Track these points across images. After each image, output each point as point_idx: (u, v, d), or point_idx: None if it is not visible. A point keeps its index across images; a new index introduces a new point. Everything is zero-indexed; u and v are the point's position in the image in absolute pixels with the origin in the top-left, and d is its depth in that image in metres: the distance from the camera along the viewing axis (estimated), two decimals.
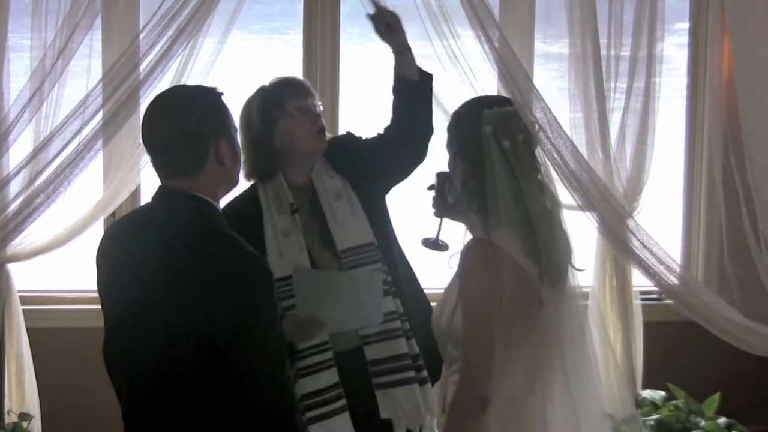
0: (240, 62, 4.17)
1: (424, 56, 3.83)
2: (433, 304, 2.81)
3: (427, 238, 3.01)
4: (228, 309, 2.27)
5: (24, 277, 4.02)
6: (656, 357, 4.27)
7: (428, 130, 3.26)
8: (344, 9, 4.21)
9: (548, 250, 2.48)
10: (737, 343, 3.78)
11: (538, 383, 2.51)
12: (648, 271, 3.62)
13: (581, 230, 3.39)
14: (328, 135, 3.28)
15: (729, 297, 3.97)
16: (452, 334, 2.52)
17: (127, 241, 2.46)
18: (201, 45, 3.85)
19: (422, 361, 3.17)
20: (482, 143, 2.50)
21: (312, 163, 3.24)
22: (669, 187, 4.47)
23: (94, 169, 3.81)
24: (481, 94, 3.70)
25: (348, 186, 3.24)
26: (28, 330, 3.95)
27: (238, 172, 2.53)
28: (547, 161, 2.73)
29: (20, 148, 3.76)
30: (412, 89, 3.23)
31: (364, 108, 4.15)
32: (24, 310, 3.96)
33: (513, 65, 3.18)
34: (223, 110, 2.47)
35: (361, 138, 3.34)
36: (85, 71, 3.90)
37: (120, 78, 3.61)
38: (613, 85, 4.11)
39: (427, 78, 3.27)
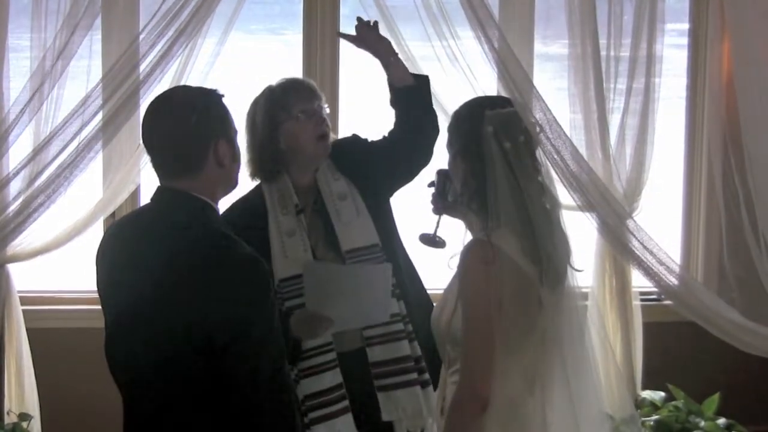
0: (239, 63, 4.17)
1: (423, 57, 3.84)
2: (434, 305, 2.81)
3: (425, 233, 3.01)
4: (226, 310, 2.27)
5: (24, 278, 4.03)
6: (656, 357, 4.28)
7: (433, 133, 3.26)
8: (344, 10, 4.21)
9: (548, 251, 2.49)
10: (737, 343, 3.78)
11: (538, 384, 2.51)
12: (647, 272, 3.62)
13: (581, 231, 3.39)
14: (333, 137, 3.28)
15: (728, 297, 3.97)
16: (451, 335, 2.52)
17: (126, 242, 2.46)
18: (201, 46, 3.86)
19: (424, 363, 3.17)
20: (483, 144, 2.50)
21: (316, 165, 3.24)
22: (669, 188, 4.47)
23: (93, 169, 3.80)
24: (481, 94, 3.70)
25: (353, 187, 3.24)
26: (27, 330, 3.95)
27: (238, 173, 2.52)
28: (547, 162, 2.73)
29: (20, 148, 3.76)
30: (410, 95, 3.23)
31: (363, 108, 4.15)
32: (24, 311, 3.96)
33: (513, 66, 3.18)
34: (223, 111, 2.47)
35: (366, 140, 3.34)
36: (84, 72, 3.90)
37: (120, 79, 3.61)
38: (612, 85, 4.11)
39: (422, 81, 3.27)
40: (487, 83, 3.88)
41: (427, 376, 3.17)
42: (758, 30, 3.97)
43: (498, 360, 2.42)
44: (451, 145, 2.63)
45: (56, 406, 4.03)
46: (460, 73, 3.97)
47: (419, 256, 3.32)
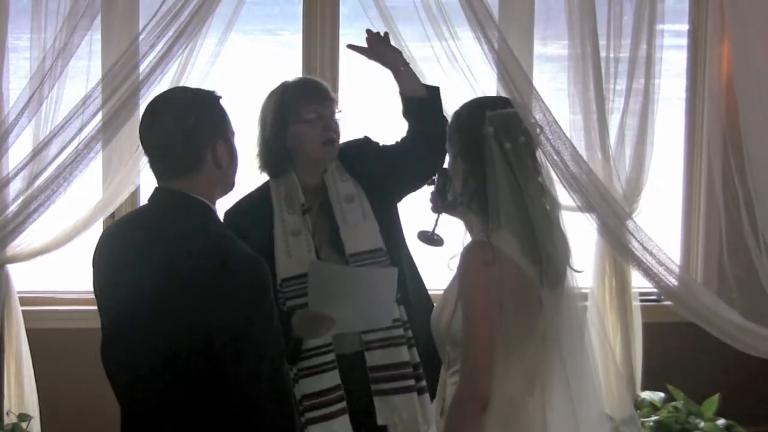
0: (239, 63, 4.18)
1: (423, 57, 3.84)
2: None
3: (423, 231, 3.01)
4: (226, 310, 2.27)
5: (23, 278, 4.02)
6: (655, 358, 4.27)
7: (443, 145, 3.25)
8: (344, 10, 4.21)
9: (548, 251, 2.48)
10: (737, 344, 3.78)
11: (538, 384, 2.51)
12: (647, 273, 3.62)
13: (581, 231, 3.39)
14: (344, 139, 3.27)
15: (728, 298, 3.97)
16: (451, 336, 2.52)
17: (125, 243, 2.46)
18: (200, 46, 3.86)
19: (422, 370, 3.17)
20: (484, 144, 2.50)
21: (323, 166, 3.24)
22: (668, 188, 4.47)
23: (93, 170, 3.80)
24: (481, 95, 3.70)
25: (361, 190, 3.24)
26: (27, 331, 3.95)
27: (235, 175, 2.52)
28: (547, 162, 2.73)
29: (20, 149, 3.76)
30: (421, 106, 3.23)
31: (363, 109, 4.15)
32: (23, 311, 3.96)
33: (512, 66, 3.18)
34: (221, 113, 2.48)
35: (377, 144, 3.34)
36: (84, 72, 3.90)
37: (119, 79, 3.61)
38: (612, 86, 4.11)
39: (433, 92, 3.27)
40: (487, 84, 3.88)
41: (424, 383, 3.17)
42: (758, 30, 3.97)
43: (498, 360, 2.42)
44: (451, 145, 2.63)
45: (56, 407, 4.02)
46: (459, 74, 3.97)
47: (419, 256, 3.32)
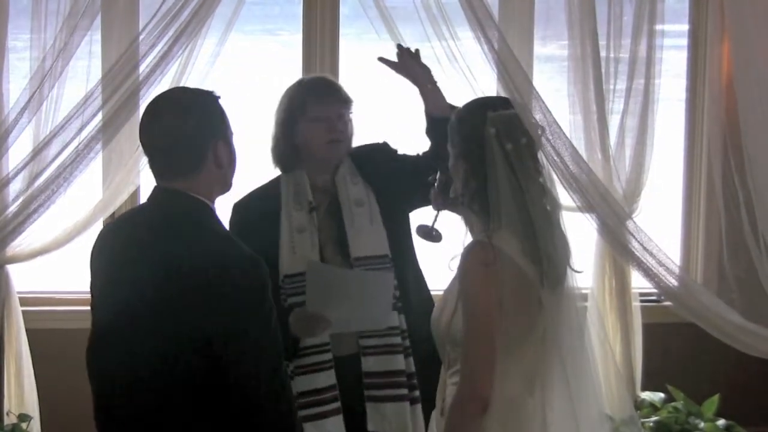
0: (239, 63, 4.18)
1: (423, 57, 3.83)
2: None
3: (422, 225, 3.01)
4: (224, 310, 2.27)
5: (23, 279, 4.02)
6: (655, 358, 4.27)
7: None
8: (344, 10, 4.21)
9: (548, 252, 2.49)
10: (737, 344, 3.77)
11: (538, 384, 2.51)
12: (647, 273, 3.61)
13: (580, 232, 3.39)
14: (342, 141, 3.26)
15: (728, 299, 3.96)
16: (451, 336, 2.52)
17: (123, 241, 2.46)
18: (200, 46, 3.86)
19: (416, 380, 3.17)
20: (485, 145, 2.50)
21: (330, 165, 3.25)
22: (668, 189, 4.46)
23: (93, 170, 3.80)
24: (481, 95, 3.69)
25: (371, 195, 3.24)
26: (27, 331, 3.95)
27: (233, 175, 2.53)
28: (547, 163, 2.73)
29: (20, 149, 3.76)
30: (445, 127, 3.21)
31: (363, 109, 4.14)
32: (23, 312, 3.96)
33: (512, 66, 3.18)
34: (220, 113, 2.48)
35: (396, 151, 3.34)
36: (84, 72, 3.90)
37: (119, 79, 3.61)
38: (612, 86, 4.11)
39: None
40: (487, 84, 3.88)
41: (417, 393, 3.16)
42: (758, 31, 3.96)
43: (498, 360, 2.42)
44: (452, 145, 2.63)
45: (56, 407, 4.02)
46: (459, 74, 3.97)
47: (420, 256, 3.32)
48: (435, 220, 2.97)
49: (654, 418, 4.02)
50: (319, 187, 3.25)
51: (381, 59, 3.38)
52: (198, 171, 2.41)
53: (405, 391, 3.16)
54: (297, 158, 3.24)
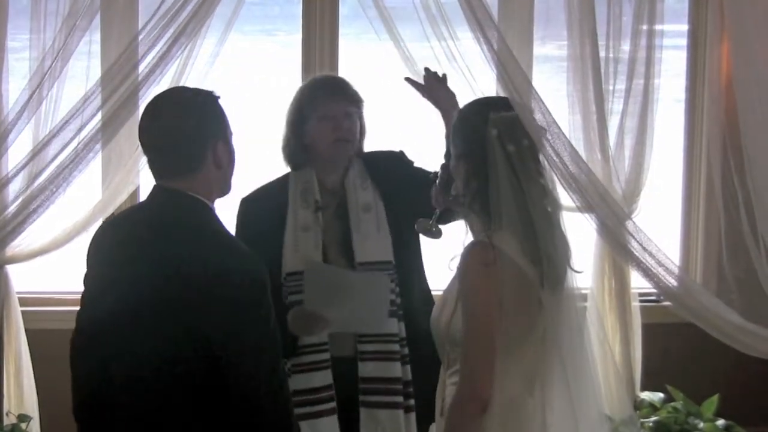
0: (238, 64, 4.18)
1: (422, 57, 3.84)
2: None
3: (422, 220, 3.01)
4: (222, 310, 2.28)
5: (23, 279, 4.02)
6: (655, 359, 4.27)
7: None
8: (343, 10, 4.21)
9: (549, 253, 2.48)
10: (736, 344, 3.78)
11: (538, 385, 2.51)
12: (647, 273, 3.62)
13: (580, 232, 3.39)
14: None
15: (728, 299, 3.96)
16: (451, 335, 2.52)
17: (121, 240, 2.46)
18: (200, 46, 3.85)
19: (412, 389, 3.16)
20: (487, 146, 2.50)
21: (336, 165, 3.25)
22: (668, 189, 4.46)
23: (93, 170, 3.80)
24: (480, 95, 3.69)
25: (379, 200, 3.24)
26: (27, 332, 3.95)
27: (232, 176, 2.52)
28: (546, 163, 2.73)
29: (19, 149, 3.76)
30: None
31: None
32: (23, 312, 3.95)
33: (511, 67, 3.18)
34: (220, 113, 2.48)
35: (411, 162, 3.33)
36: (84, 72, 3.90)
37: (119, 79, 3.61)
38: (611, 86, 4.11)
39: None
40: (486, 84, 3.87)
41: (412, 402, 3.16)
42: (758, 31, 3.97)
43: (498, 360, 2.42)
44: (454, 145, 2.63)
45: (55, 408, 3.99)
46: (459, 74, 3.96)
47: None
48: (435, 216, 2.98)
49: (653, 418, 4.02)
50: (328, 188, 3.26)
51: (408, 80, 3.38)
52: (197, 171, 2.41)
53: (400, 399, 3.16)
54: (306, 157, 3.25)
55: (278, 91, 3.87)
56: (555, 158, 3.23)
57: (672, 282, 3.66)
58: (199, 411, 2.33)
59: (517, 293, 2.46)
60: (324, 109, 3.19)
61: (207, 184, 2.43)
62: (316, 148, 3.22)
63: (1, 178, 3.78)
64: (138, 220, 2.50)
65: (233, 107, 2.57)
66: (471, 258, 2.46)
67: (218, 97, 2.50)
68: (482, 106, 2.64)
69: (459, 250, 2.52)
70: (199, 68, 3.89)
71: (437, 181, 2.84)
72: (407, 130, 4.04)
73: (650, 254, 3.59)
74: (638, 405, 4.14)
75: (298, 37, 4.25)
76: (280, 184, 3.29)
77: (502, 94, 3.36)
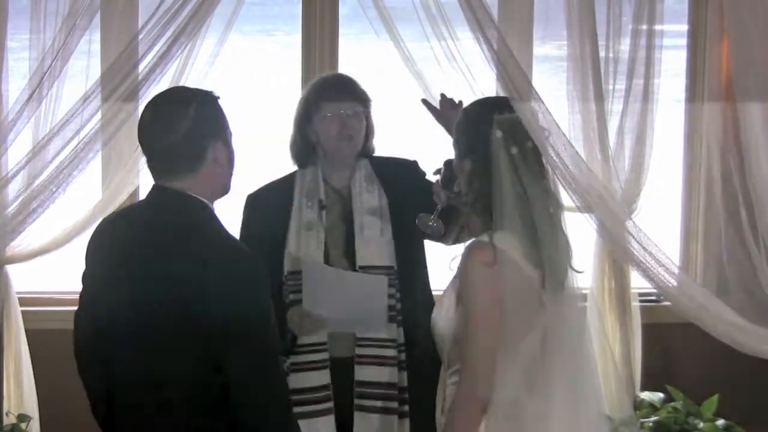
0: (238, 64, 4.18)
1: (422, 58, 3.84)
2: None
3: (423, 215, 3.01)
4: (222, 310, 2.28)
5: (23, 279, 4.02)
6: (655, 359, 4.27)
7: None
8: (343, 10, 4.21)
9: (550, 253, 2.49)
10: (736, 344, 3.77)
11: (538, 384, 2.51)
12: (647, 273, 3.62)
13: (580, 232, 3.39)
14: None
15: (728, 299, 3.97)
16: (451, 335, 2.52)
17: (121, 239, 2.46)
18: (200, 46, 3.85)
19: (407, 395, 3.16)
20: (491, 147, 2.50)
21: (345, 166, 3.25)
22: (668, 189, 4.46)
23: (92, 170, 3.80)
24: (480, 95, 3.69)
25: (386, 207, 3.24)
26: (26, 332, 3.94)
27: (231, 177, 2.53)
28: (547, 163, 2.73)
29: (19, 149, 3.75)
30: None
31: None
32: (23, 312, 3.95)
33: (511, 66, 3.18)
34: (219, 113, 2.49)
35: (423, 174, 3.32)
36: (83, 72, 3.90)
37: (119, 79, 3.61)
38: (611, 86, 4.10)
39: None
40: (486, 84, 3.87)
41: (407, 408, 3.16)
42: (758, 31, 3.96)
43: (498, 360, 2.42)
44: (458, 145, 2.63)
45: (55, 408, 4.02)
46: (458, 74, 3.96)
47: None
48: (436, 212, 2.98)
49: (653, 418, 4.02)
50: (334, 188, 3.26)
51: (423, 102, 3.39)
52: (197, 171, 2.41)
53: (395, 405, 3.16)
54: (312, 156, 3.26)
55: (278, 91, 3.87)
56: (555, 158, 3.23)
57: (672, 282, 3.66)
58: (198, 410, 2.34)
59: (517, 293, 2.46)
60: (330, 107, 3.20)
61: (206, 184, 2.43)
62: (321, 147, 3.23)
63: (1, 178, 3.78)
64: (137, 219, 2.50)
65: (233, 107, 2.57)
66: (472, 258, 2.47)
67: (218, 97, 2.50)
68: (487, 106, 2.65)
69: (459, 250, 2.53)
70: (199, 68, 3.89)
71: (439, 178, 2.85)
72: (407, 130, 4.04)
73: (650, 254, 3.59)
74: (638, 405, 4.13)
75: (297, 37, 4.25)
76: (287, 182, 3.30)
77: (502, 94, 3.36)
